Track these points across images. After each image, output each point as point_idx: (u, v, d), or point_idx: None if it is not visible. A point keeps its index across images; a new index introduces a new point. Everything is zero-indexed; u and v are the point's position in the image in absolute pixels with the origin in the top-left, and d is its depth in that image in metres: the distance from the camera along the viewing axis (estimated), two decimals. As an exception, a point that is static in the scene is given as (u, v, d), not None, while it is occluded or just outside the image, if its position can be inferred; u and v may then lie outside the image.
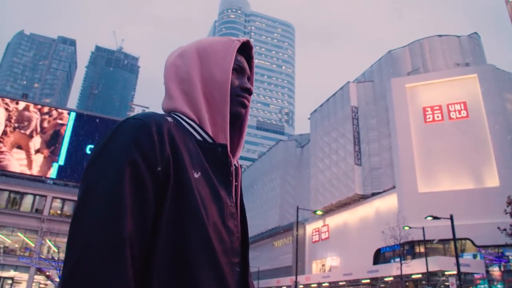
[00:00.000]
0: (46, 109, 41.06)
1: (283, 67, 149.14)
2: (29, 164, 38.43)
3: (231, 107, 1.14)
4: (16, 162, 37.91)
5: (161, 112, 1.16)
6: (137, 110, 34.23)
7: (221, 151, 1.09)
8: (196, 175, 1.00)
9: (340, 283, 39.31)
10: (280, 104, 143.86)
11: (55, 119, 40.65)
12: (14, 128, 38.49)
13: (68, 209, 38.02)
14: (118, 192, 0.87)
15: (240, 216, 1.15)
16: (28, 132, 38.92)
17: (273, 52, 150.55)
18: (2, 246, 34.92)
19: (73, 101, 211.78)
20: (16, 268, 33.91)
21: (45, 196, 36.95)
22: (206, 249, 0.96)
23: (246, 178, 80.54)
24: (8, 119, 38.47)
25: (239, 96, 1.18)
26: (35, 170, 38.39)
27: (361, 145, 44.78)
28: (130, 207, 0.87)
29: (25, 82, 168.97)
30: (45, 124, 40.03)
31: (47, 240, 34.60)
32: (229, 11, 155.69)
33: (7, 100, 40.01)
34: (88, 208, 0.87)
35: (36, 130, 39.37)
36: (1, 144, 37.71)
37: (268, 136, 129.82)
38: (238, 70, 1.20)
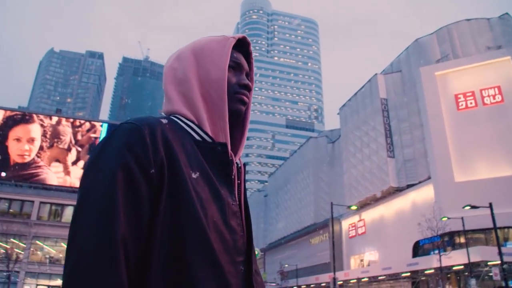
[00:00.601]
0: (77, 122, 42.31)
1: (309, 64, 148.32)
2: (67, 177, 39.71)
3: (229, 105, 1.14)
4: (53, 175, 39.23)
5: None
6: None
7: (221, 150, 1.09)
8: (194, 175, 1.01)
9: (379, 278, 38.87)
10: (308, 101, 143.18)
11: (88, 131, 41.86)
12: (51, 143, 39.85)
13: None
14: (111, 195, 0.89)
15: (244, 215, 1.15)
16: (63, 146, 40.21)
17: (298, 49, 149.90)
18: (48, 256, 36.29)
19: (105, 112, 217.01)
20: (62, 277, 35.16)
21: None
22: (203, 248, 0.95)
23: (279, 177, 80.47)
24: (44, 134, 39.88)
25: (237, 93, 1.17)
26: (73, 182, 39.61)
27: (393, 137, 44.07)
28: (123, 209, 0.89)
29: (58, 98, 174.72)
30: (79, 137, 41.26)
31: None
32: (251, 12, 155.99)
33: (41, 116, 41.48)
34: (83, 213, 0.89)
35: (71, 143, 40.63)
36: (39, 159, 39.12)
37: (298, 134, 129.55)
38: (235, 67, 1.19)
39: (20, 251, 34.36)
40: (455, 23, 42.95)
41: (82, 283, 0.83)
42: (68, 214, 37.91)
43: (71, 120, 42.57)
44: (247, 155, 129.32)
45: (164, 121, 1.05)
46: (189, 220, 0.96)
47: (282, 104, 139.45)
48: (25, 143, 39.11)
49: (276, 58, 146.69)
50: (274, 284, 45.44)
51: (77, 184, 39.53)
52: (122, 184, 0.91)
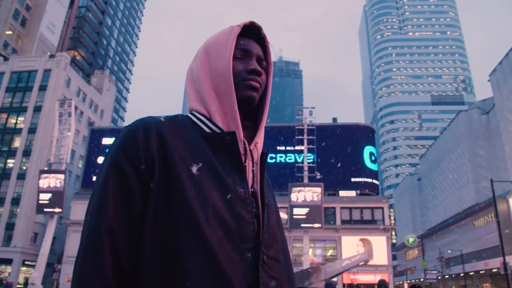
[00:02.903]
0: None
1: (448, 32, 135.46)
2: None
3: (238, 93, 1.15)
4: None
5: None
6: (305, 112, 35.79)
7: (230, 139, 1.12)
8: (195, 167, 1.06)
9: None
10: (453, 72, 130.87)
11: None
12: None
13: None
14: (103, 193, 1.01)
15: (260, 202, 1.15)
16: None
17: (433, 19, 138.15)
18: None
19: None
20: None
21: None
22: (195, 236, 0.99)
23: (431, 158, 75.99)
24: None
25: (245, 80, 1.17)
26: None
27: (560, 97, 38.30)
28: (113, 204, 0.99)
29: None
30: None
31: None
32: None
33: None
34: (86, 213, 1.04)
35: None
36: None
37: (447, 110, 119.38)
38: (242, 54, 1.20)
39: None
40: None
41: (76, 270, 0.96)
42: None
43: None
44: (394, 139, 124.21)
45: (163, 119, 1.12)
46: (181, 210, 1.00)
47: (425, 81, 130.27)
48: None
49: (410, 33, 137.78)
50: (435, 271, 42.84)
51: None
52: (113, 181, 1.01)
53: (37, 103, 50.30)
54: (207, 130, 1.14)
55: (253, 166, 1.17)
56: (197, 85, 1.21)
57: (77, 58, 69.58)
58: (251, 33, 1.23)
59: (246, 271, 1.02)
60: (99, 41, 77.85)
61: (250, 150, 1.17)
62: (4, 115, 51.07)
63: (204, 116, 1.17)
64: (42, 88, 50.73)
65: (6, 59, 53.64)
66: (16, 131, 49.97)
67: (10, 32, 58.34)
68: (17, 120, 50.67)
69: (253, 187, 1.15)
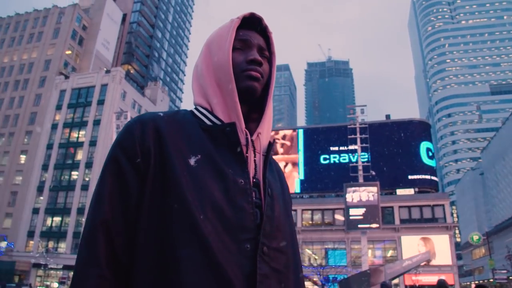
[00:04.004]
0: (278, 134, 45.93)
1: (505, 17, 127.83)
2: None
3: (239, 84, 1.15)
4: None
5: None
6: (357, 111, 35.30)
7: (230, 130, 1.12)
8: (193, 159, 1.07)
9: None
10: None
11: (284, 138, 45.08)
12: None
13: (318, 217, 41.02)
14: (100, 186, 1.06)
15: (263, 192, 1.13)
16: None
17: (487, 5, 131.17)
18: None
19: (301, 117, 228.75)
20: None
21: (295, 210, 40.68)
22: (190, 227, 0.99)
23: (493, 150, 72.46)
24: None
25: (245, 71, 1.16)
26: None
27: None
28: (109, 197, 1.04)
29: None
30: (280, 147, 44.78)
31: (306, 249, 37.98)
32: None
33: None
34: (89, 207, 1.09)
35: (277, 153, 44.40)
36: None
37: (508, 98, 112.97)
38: (242, 45, 1.19)
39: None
40: None
41: (75, 261, 1.02)
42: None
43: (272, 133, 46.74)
44: (452, 133, 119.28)
45: (161, 114, 1.15)
46: (175, 201, 1.01)
47: (482, 70, 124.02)
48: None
49: (463, 22, 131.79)
50: (504, 271, 40.36)
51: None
52: (110, 174, 1.06)
53: (96, 117, 52.85)
54: (208, 122, 1.15)
55: (255, 157, 1.16)
56: (201, 80, 1.22)
57: (131, 71, 72.35)
58: (253, 25, 1.23)
59: (245, 262, 1.00)
60: (150, 54, 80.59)
61: (252, 141, 1.16)
62: (67, 130, 54.00)
63: (206, 110, 1.18)
64: (100, 102, 53.29)
65: (66, 77, 56.82)
66: (78, 144, 52.68)
67: (70, 52, 61.59)
68: (78, 134, 53.38)
69: (256, 178, 1.14)
